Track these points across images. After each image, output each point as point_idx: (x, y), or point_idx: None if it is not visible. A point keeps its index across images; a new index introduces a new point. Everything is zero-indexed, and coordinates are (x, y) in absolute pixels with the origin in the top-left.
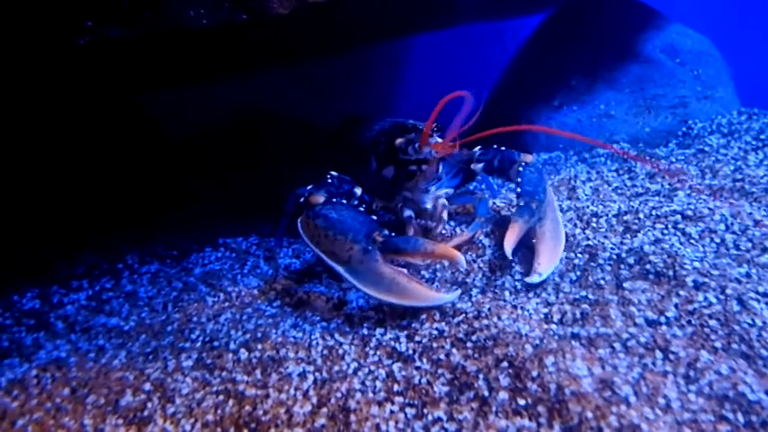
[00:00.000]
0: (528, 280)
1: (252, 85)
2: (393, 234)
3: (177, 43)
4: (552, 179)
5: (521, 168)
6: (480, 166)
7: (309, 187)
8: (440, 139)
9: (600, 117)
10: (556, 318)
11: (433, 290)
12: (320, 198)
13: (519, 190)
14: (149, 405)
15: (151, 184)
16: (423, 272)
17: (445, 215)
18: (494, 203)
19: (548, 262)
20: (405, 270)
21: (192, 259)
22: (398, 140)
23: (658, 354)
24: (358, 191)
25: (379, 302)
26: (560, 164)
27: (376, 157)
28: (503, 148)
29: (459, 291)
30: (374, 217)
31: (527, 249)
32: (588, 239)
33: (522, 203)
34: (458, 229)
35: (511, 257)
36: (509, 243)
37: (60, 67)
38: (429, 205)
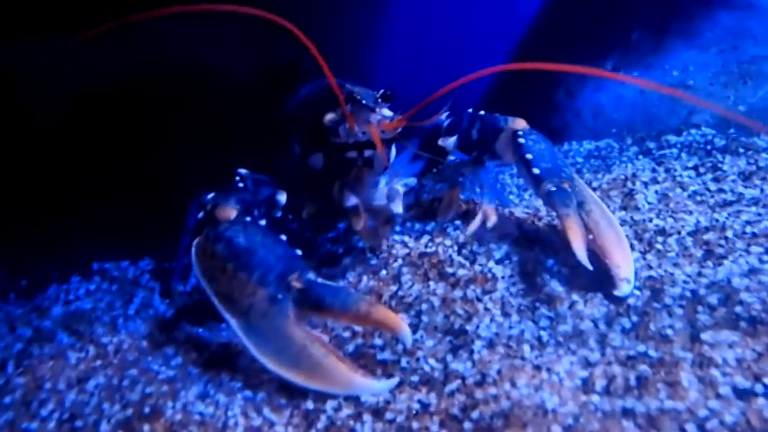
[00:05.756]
0: (618, 293)
1: (155, 31)
2: (319, 280)
3: None
4: (600, 179)
5: (521, 139)
6: (452, 140)
7: (212, 195)
8: (388, 112)
9: (673, 88)
10: (599, 385)
11: (358, 371)
12: (231, 211)
13: (536, 171)
14: None
15: None
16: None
17: (399, 207)
18: (510, 212)
19: (626, 260)
20: (324, 336)
21: (51, 293)
22: (328, 116)
23: None
24: (282, 198)
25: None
26: (612, 157)
27: (299, 138)
28: (481, 113)
29: (397, 379)
30: (299, 251)
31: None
32: (650, 268)
33: (552, 188)
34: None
35: (591, 267)
36: (580, 246)
37: None
38: (382, 202)
